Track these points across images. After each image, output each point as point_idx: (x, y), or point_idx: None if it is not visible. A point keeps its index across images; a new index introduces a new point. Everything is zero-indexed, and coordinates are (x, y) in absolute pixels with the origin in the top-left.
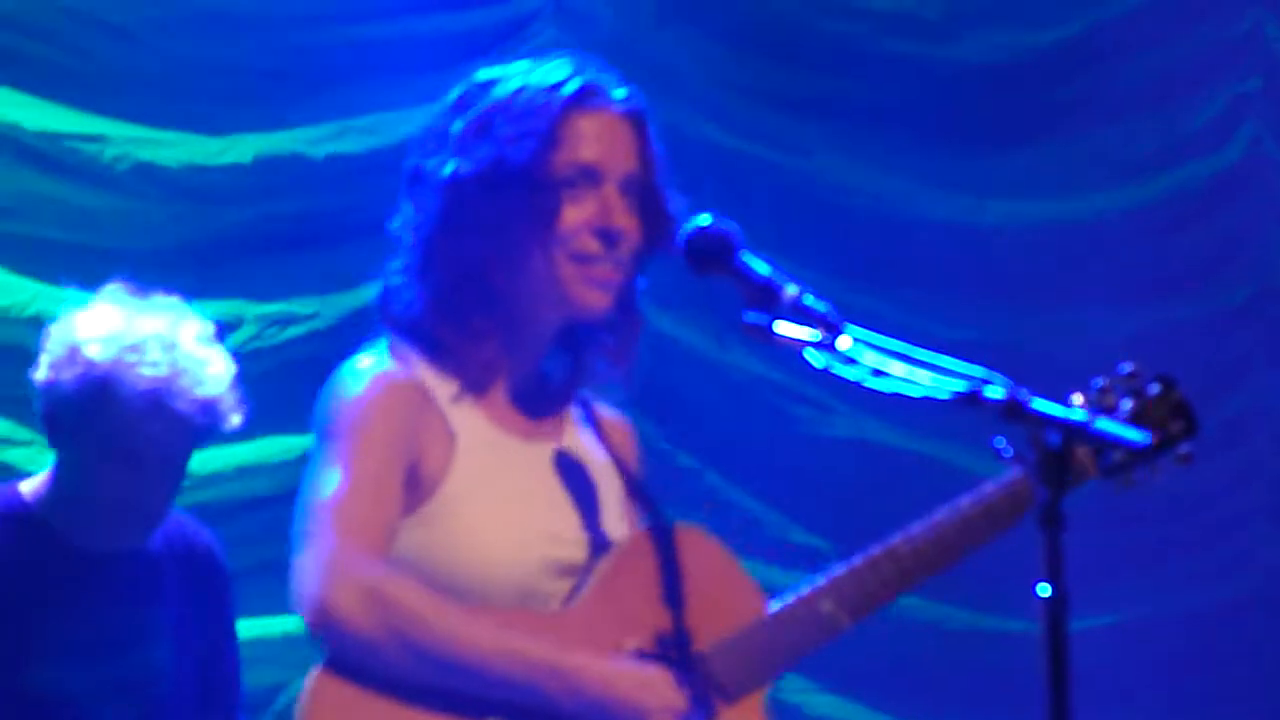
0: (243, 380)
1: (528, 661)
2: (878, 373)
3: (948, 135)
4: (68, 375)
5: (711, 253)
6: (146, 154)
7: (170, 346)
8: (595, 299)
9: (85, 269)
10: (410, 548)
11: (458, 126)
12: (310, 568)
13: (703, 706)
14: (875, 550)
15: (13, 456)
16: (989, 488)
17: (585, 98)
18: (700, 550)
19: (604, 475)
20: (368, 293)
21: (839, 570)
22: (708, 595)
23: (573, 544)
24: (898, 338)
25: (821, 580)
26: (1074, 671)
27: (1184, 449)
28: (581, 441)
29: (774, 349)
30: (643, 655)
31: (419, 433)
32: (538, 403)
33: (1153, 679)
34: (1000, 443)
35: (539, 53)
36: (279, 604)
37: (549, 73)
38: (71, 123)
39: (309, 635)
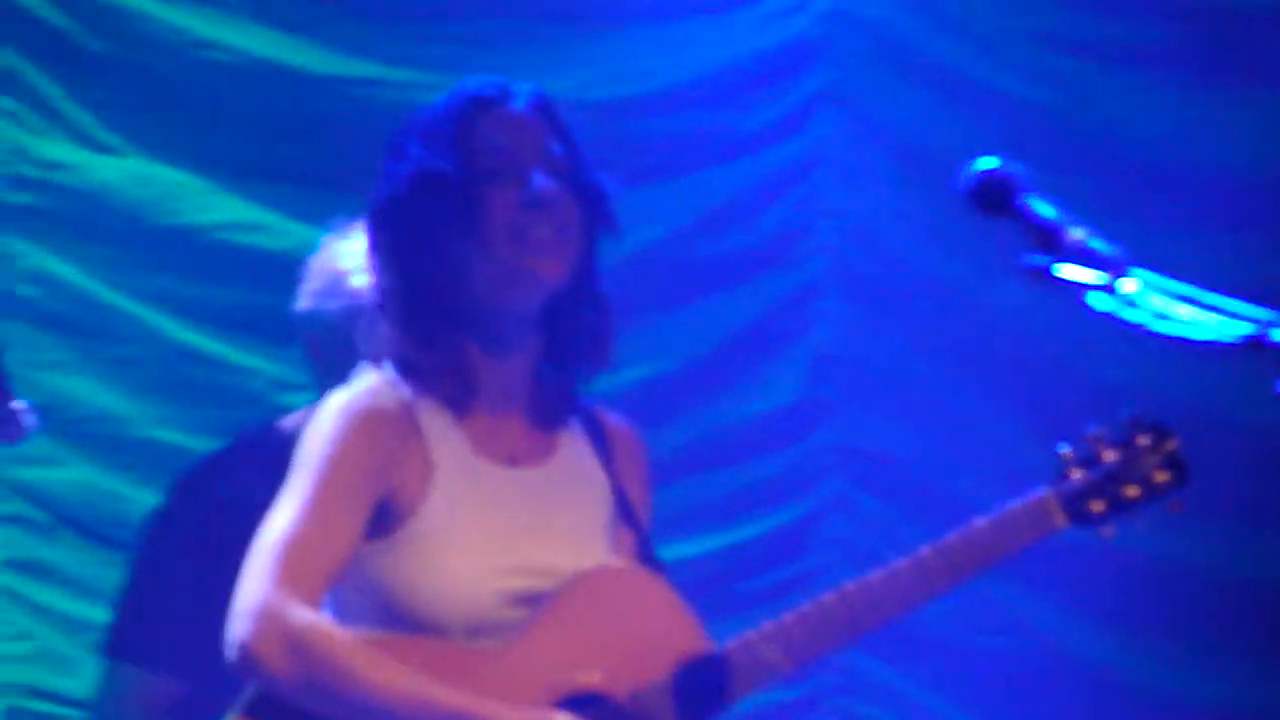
0: None
1: (434, 710)
2: (1161, 316)
3: (1236, 77)
4: (332, 305)
5: (996, 195)
6: (423, 98)
7: None
8: (544, 266)
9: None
10: (373, 572)
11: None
12: (241, 612)
13: None
14: (826, 596)
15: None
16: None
17: (484, 102)
18: (646, 590)
19: (594, 498)
20: (644, 238)
21: (787, 616)
22: (649, 634)
23: (540, 574)
24: (1185, 282)
25: (768, 625)
26: None
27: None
28: (574, 461)
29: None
30: (572, 698)
31: (394, 464)
32: (526, 424)
33: None
34: None
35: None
36: None
37: (450, 93)
38: (350, 67)
39: (235, 674)
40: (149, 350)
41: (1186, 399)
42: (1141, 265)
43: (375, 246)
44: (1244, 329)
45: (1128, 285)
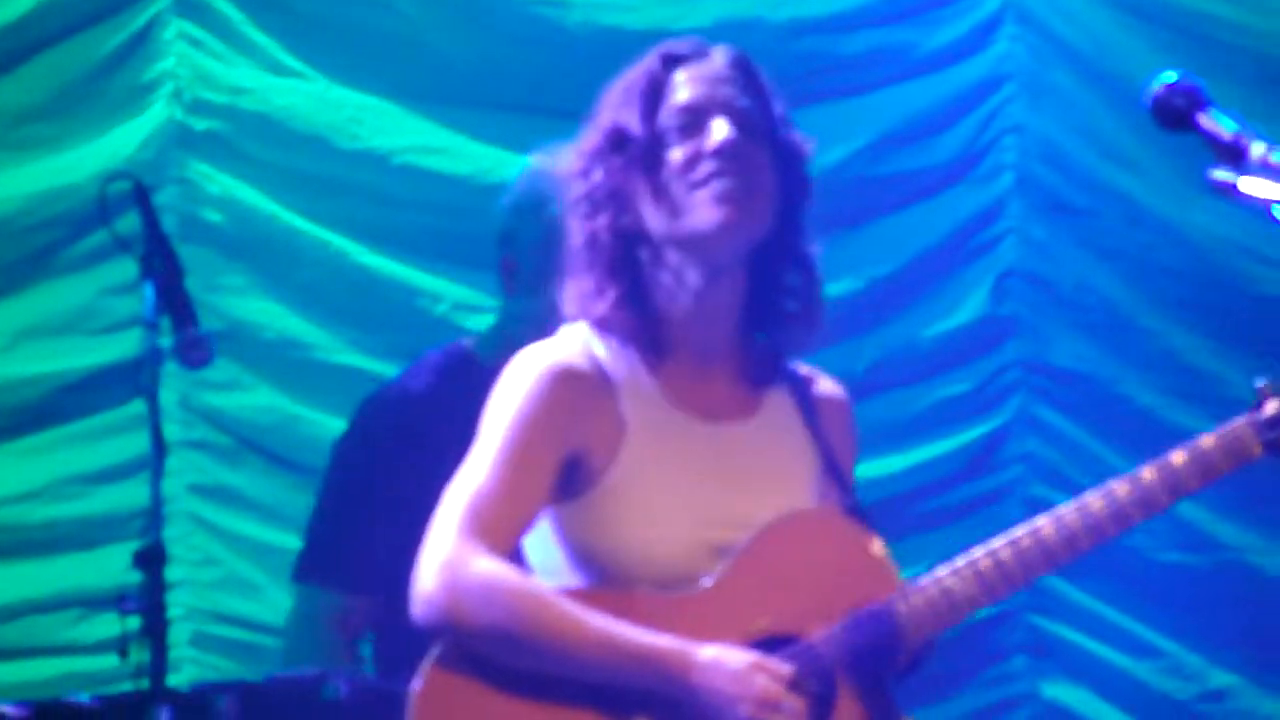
0: None
1: (623, 652)
2: None
3: None
4: (533, 223)
5: (1178, 109)
6: (610, 19)
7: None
8: (718, 214)
9: (544, 135)
10: (569, 531)
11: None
12: (428, 565)
13: (820, 689)
14: (1018, 532)
15: (473, 322)
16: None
17: (677, 58)
18: (841, 534)
19: (799, 457)
20: (831, 155)
21: (977, 552)
22: (844, 578)
23: (737, 526)
24: None
25: (959, 561)
26: None
27: None
28: (779, 420)
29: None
30: (762, 641)
31: (585, 421)
32: (729, 381)
33: None
34: None
35: None
36: None
37: (654, 51)
38: None
39: (423, 630)
40: (333, 274)
41: None
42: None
43: (571, 204)
44: None
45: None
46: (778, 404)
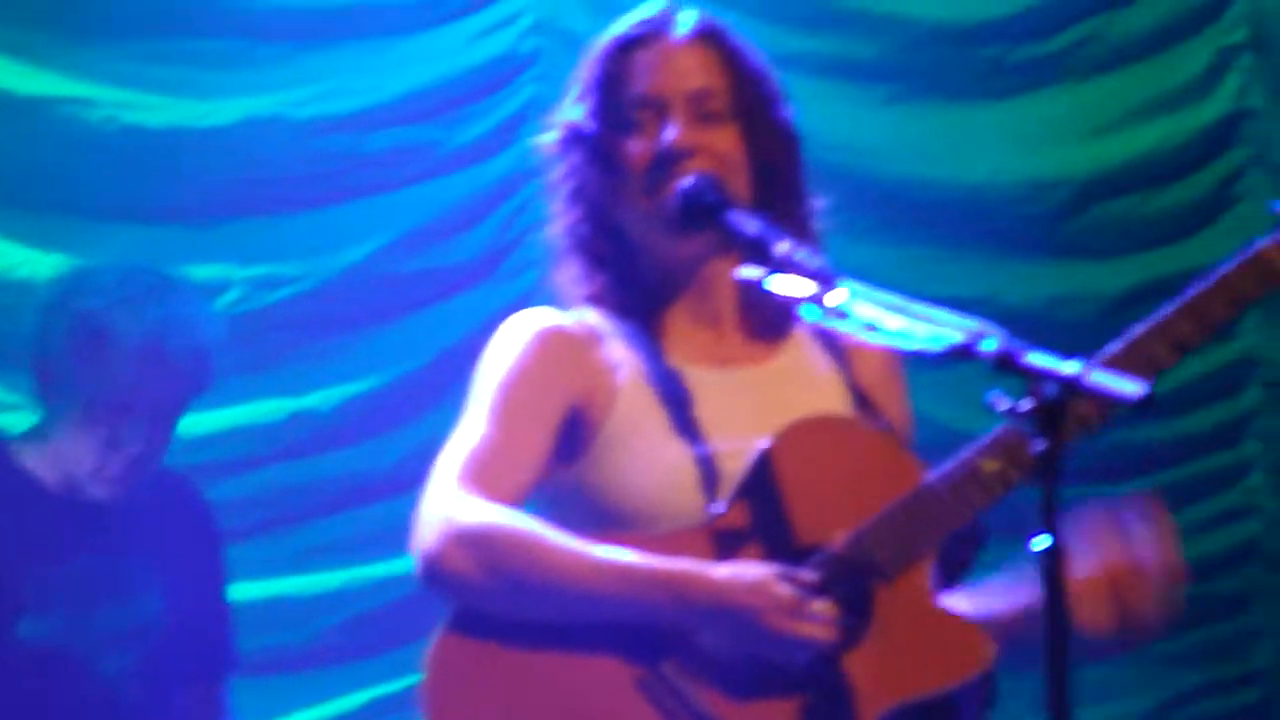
0: (231, 343)
1: (634, 577)
2: (871, 326)
3: (934, 90)
4: (61, 326)
5: (701, 209)
6: (132, 117)
7: (163, 299)
8: (671, 222)
9: (73, 232)
10: (580, 491)
11: None
12: (424, 518)
13: (851, 591)
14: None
15: (5, 421)
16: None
17: (634, 40)
18: (858, 438)
19: (823, 391)
20: (356, 253)
21: (1000, 429)
22: (865, 482)
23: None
24: (895, 292)
25: (984, 439)
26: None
27: None
28: (800, 362)
29: None
30: (792, 552)
31: (579, 376)
32: (740, 335)
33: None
34: (996, 395)
35: (523, 10)
36: (266, 567)
37: (615, 27)
38: (58, 86)
39: (422, 586)
40: None
41: None
42: (849, 276)
43: (548, 191)
44: (952, 339)
45: (836, 296)
46: (799, 348)
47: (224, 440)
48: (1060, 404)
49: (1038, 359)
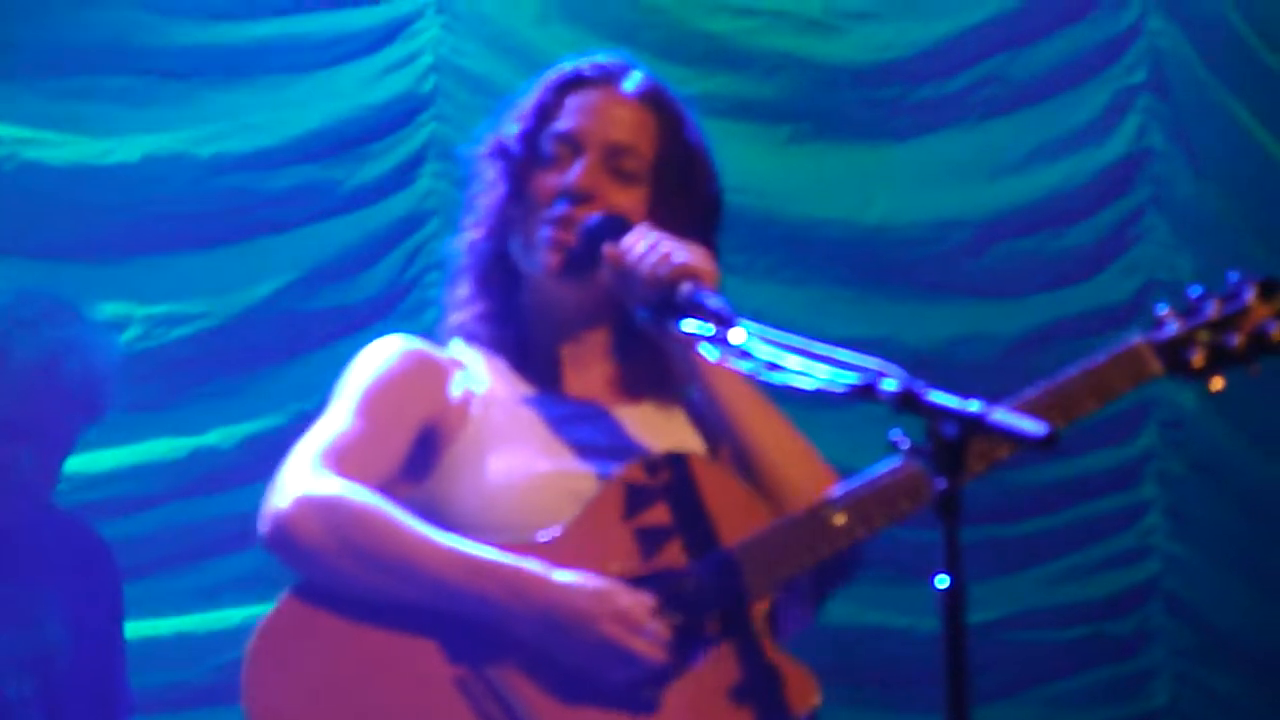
0: (131, 380)
1: (476, 567)
2: (772, 366)
3: (834, 130)
4: None
5: (612, 228)
6: (33, 154)
7: (60, 323)
8: (544, 259)
9: None
10: (434, 505)
11: None
12: (278, 488)
13: (686, 621)
14: (902, 462)
15: None
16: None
17: (581, 79)
18: (709, 475)
19: (682, 443)
20: (258, 291)
21: (857, 482)
22: (714, 518)
23: (598, 480)
24: (795, 333)
25: (836, 492)
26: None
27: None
28: (670, 419)
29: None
30: (627, 580)
31: (436, 395)
32: (603, 380)
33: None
34: (897, 434)
35: (422, 50)
36: (167, 604)
37: (563, 66)
38: None
39: (267, 551)
40: None
41: None
42: (749, 316)
43: (465, 203)
44: (852, 378)
45: (736, 336)
46: (671, 412)
47: (124, 478)
48: (962, 443)
49: (939, 398)
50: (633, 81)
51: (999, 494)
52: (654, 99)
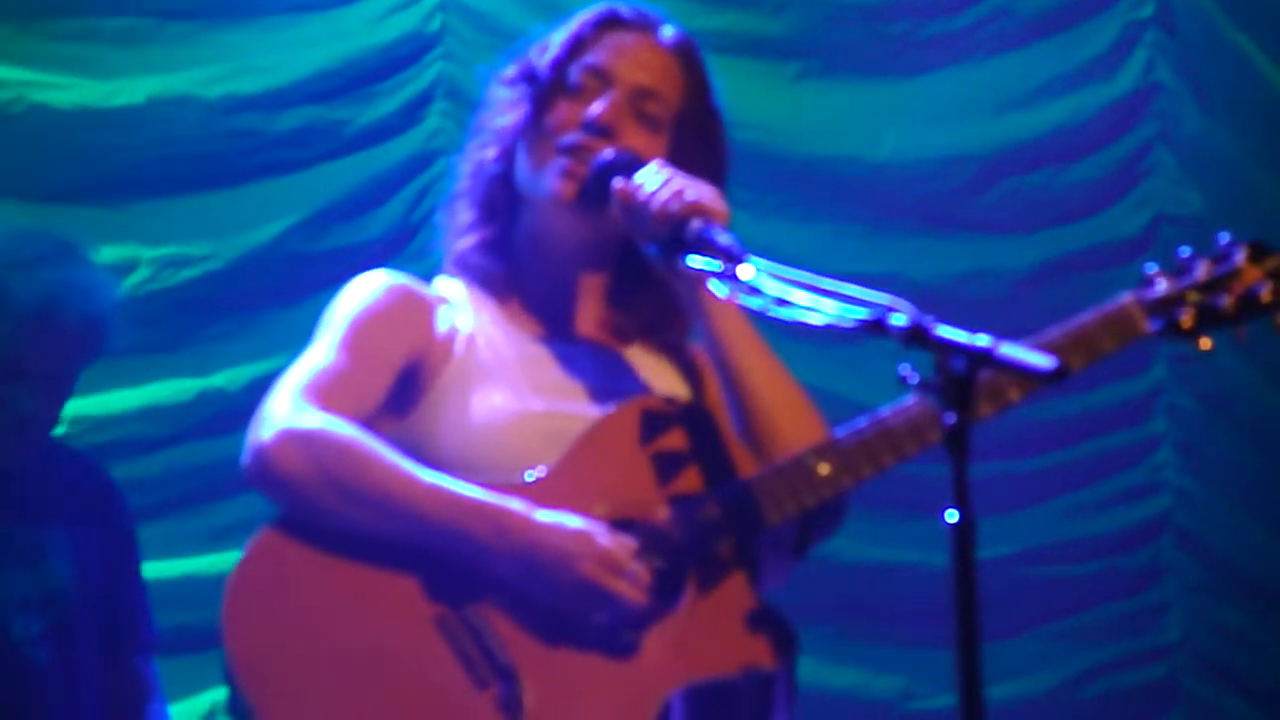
0: (139, 322)
1: (460, 505)
2: (781, 301)
3: (842, 67)
4: None
5: (621, 166)
6: (40, 96)
7: (59, 264)
8: (555, 186)
9: None
10: (415, 440)
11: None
12: (262, 419)
13: (666, 567)
14: (886, 412)
15: None
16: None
17: (620, 20)
18: (694, 420)
19: (667, 385)
20: (264, 233)
21: (842, 433)
22: (691, 463)
23: (580, 421)
24: (804, 269)
25: (823, 442)
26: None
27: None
28: (652, 362)
29: None
30: (611, 522)
31: (420, 332)
32: (596, 317)
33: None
34: (906, 369)
35: None
36: (176, 546)
37: (601, 5)
38: None
39: (250, 484)
40: None
41: None
42: (758, 253)
43: (473, 127)
44: (862, 314)
45: (745, 272)
46: (652, 356)
47: (131, 419)
48: (970, 377)
49: (948, 333)
50: (669, 32)
51: (1010, 429)
52: (686, 53)
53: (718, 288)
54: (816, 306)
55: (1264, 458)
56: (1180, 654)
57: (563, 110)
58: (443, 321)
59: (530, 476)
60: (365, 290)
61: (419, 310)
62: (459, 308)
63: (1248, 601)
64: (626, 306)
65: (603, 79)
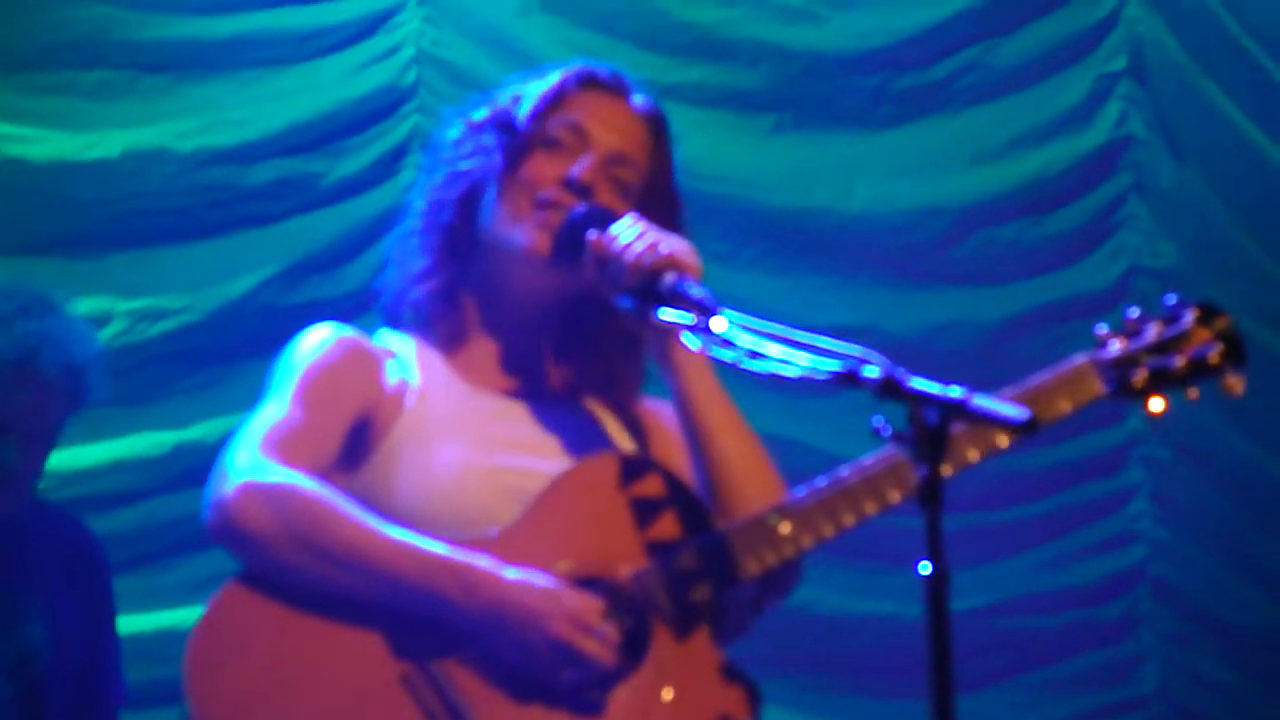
0: (113, 375)
1: (427, 562)
2: (754, 354)
3: (816, 119)
4: None
5: (592, 221)
6: (15, 150)
7: (37, 316)
8: (531, 239)
9: None
10: (367, 495)
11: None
12: (225, 474)
13: (633, 625)
14: (847, 471)
15: None
16: None
17: (598, 81)
18: (654, 479)
19: (616, 440)
20: (239, 285)
21: (803, 492)
22: (653, 520)
23: (534, 478)
24: (777, 322)
25: (784, 501)
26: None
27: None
28: (596, 418)
29: None
30: (574, 579)
31: (371, 386)
32: (551, 373)
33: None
34: (879, 421)
35: (403, 42)
36: (152, 600)
37: (577, 64)
38: None
39: (213, 539)
40: None
41: None
42: (732, 305)
43: (431, 165)
44: (834, 365)
45: (718, 325)
46: (604, 410)
47: (107, 473)
48: (944, 429)
49: (921, 384)
50: (640, 100)
51: (985, 481)
52: (656, 122)
53: (691, 341)
54: (790, 359)
55: (1239, 508)
56: (1156, 705)
57: (540, 163)
58: (392, 375)
59: (495, 531)
60: (314, 343)
61: (368, 364)
62: (405, 361)
63: (1224, 652)
64: (583, 361)
65: (580, 137)
